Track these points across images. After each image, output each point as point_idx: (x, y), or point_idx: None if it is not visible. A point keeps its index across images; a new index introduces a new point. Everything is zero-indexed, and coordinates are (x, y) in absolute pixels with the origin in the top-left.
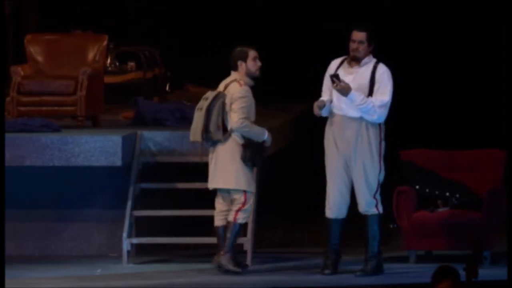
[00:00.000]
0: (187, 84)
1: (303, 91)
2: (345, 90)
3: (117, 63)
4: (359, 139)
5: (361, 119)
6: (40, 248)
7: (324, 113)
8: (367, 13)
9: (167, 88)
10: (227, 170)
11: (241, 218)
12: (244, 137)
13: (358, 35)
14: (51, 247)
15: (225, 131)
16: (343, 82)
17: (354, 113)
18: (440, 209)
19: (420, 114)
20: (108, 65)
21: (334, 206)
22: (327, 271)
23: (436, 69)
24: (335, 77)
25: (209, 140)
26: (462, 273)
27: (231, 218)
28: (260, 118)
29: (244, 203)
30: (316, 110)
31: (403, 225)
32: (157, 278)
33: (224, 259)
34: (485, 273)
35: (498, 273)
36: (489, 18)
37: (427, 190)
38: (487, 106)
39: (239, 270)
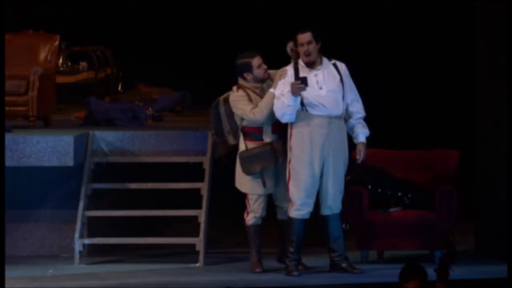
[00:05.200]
0: (139, 84)
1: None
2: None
3: (69, 63)
4: (338, 137)
5: (340, 117)
6: None
7: (295, 106)
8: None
9: (119, 88)
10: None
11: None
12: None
13: (305, 37)
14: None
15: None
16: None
17: (337, 112)
18: (392, 209)
19: (373, 113)
20: (60, 65)
21: (304, 205)
22: (296, 273)
23: (390, 69)
24: (303, 81)
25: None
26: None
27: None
28: (203, 118)
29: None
30: (297, 92)
31: (355, 225)
32: (110, 279)
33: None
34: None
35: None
36: (451, 22)
37: (379, 190)
38: (442, 106)
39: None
